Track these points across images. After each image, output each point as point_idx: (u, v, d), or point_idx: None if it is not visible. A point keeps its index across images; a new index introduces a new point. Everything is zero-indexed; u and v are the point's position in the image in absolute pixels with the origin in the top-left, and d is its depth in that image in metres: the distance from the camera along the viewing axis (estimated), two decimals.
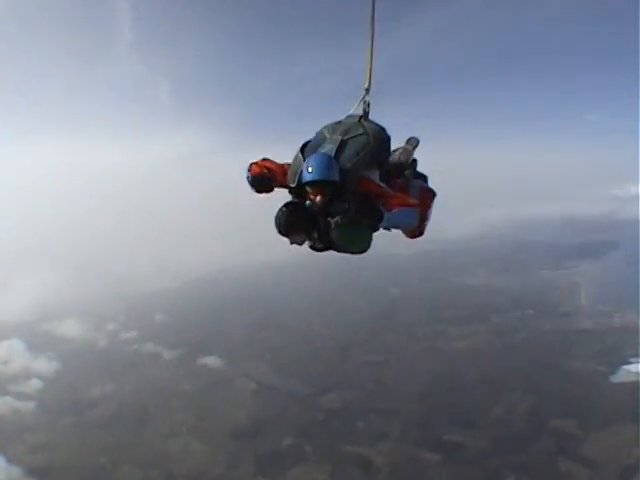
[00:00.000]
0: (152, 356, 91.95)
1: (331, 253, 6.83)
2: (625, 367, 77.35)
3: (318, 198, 6.34)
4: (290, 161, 6.90)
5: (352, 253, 6.85)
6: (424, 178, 8.34)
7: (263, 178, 6.72)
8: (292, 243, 6.62)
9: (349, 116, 7.43)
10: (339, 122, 7.29)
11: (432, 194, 8.17)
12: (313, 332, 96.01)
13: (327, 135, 7.03)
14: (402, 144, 8.06)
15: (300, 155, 6.79)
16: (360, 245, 6.78)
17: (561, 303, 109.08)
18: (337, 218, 6.55)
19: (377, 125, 7.28)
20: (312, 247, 6.97)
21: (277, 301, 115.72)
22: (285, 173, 6.76)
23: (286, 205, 6.61)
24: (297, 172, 6.50)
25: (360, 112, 7.44)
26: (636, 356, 79.17)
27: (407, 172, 7.94)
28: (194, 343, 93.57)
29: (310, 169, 6.27)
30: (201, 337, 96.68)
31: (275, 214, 6.55)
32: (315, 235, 6.75)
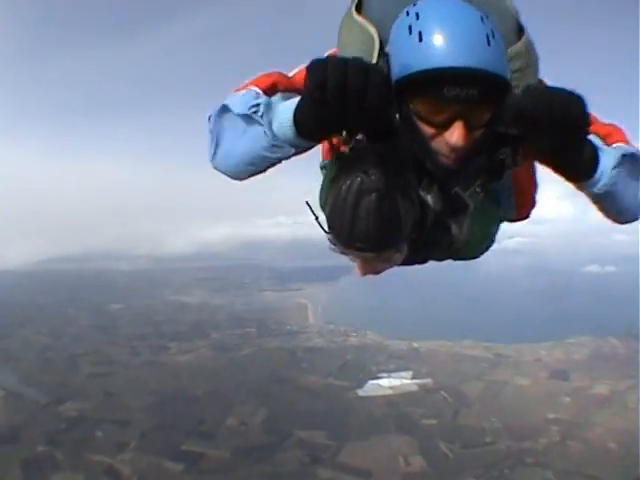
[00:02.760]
0: None
1: None
2: (374, 382, 79.89)
3: (458, 133, 2.13)
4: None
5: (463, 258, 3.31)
6: None
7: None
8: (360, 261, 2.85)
9: None
10: None
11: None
12: (43, 343, 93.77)
13: None
14: None
15: (357, 17, 2.52)
16: (487, 244, 3.27)
17: (286, 322, 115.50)
18: (477, 182, 2.57)
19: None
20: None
21: (9, 309, 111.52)
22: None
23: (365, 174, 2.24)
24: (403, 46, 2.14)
25: None
26: (385, 371, 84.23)
27: None
28: None
29: (447, 38, 1.99)
30: None
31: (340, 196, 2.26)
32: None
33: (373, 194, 2.18)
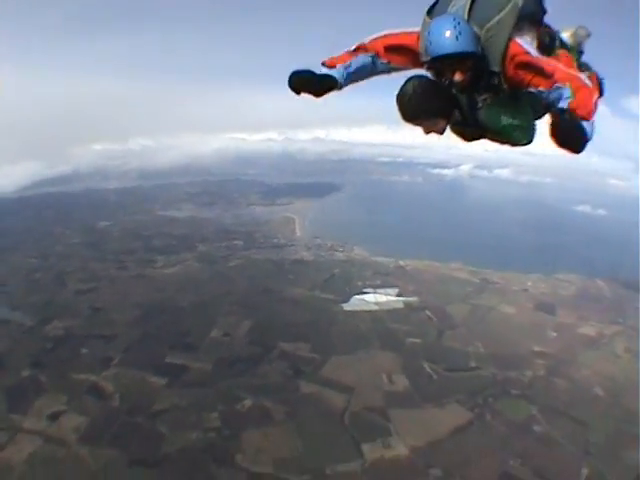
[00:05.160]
0: None
1: None
2: (359, 297, 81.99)
3: (457, 76, 5.10)
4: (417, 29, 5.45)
5: (512, 143, 5.56)
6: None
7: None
8: (427, 132, 5.34)
9: None
10: None
11: (601, 90, 6.33)
12: (31, 265, 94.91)
13: None
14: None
15: (427, 20, 5.35)
16: (520, 133, 5.45)
17: (273, 236, 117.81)
18: (485, 96, 5.36)
19: None
20: (460, 134, 5.82)
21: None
22: (416, 43, 5.32)
23: (417, 78, 5.23)
24: (425, 44, 5.04)
25: None
26: (371, 287, 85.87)
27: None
28: None
29: (435, 40, 4.90)
30: None
31: (399, 90, 5.21)
32: (459, 117, 5.55)
33: (409, 86, 5.15)
